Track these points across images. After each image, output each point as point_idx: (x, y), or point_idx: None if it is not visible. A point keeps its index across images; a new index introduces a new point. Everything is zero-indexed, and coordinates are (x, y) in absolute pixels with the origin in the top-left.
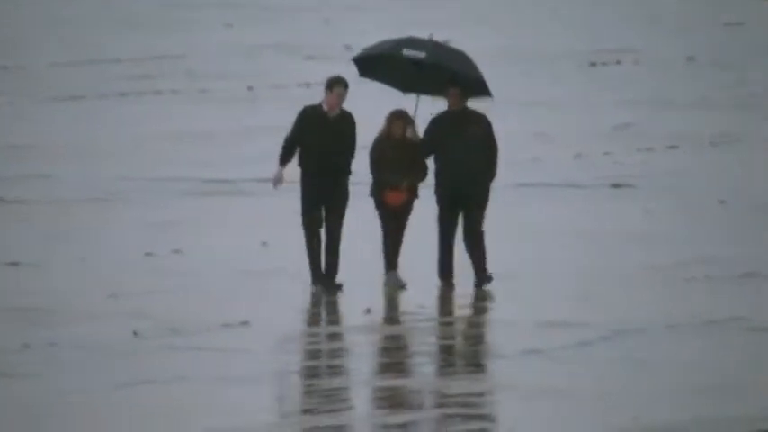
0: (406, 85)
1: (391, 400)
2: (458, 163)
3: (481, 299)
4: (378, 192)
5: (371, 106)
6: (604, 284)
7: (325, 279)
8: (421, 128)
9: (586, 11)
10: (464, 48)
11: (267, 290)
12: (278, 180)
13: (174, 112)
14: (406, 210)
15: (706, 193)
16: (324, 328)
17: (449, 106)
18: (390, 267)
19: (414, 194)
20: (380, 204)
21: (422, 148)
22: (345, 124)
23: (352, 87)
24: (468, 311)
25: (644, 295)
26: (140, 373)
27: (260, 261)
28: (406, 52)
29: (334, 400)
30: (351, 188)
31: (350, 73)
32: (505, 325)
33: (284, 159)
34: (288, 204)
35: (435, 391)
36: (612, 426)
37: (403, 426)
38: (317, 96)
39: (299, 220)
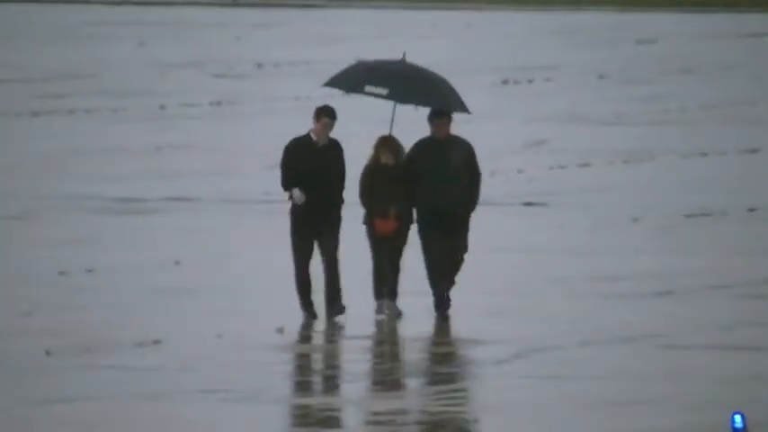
0: (393, 96)
1: (307, 418)
2: (438, 190)
3: (395, 317)
4: (368, 220)
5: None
6: (518, 301)
7: (332, 306)
8: (404, 143)
9: (499, 29)
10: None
11: (180, 308)
12: (299, 198)
13: (87, 129)
14: (399, 237)
15: (619, 210)
16: (236, 348)
17: (432, 134)
18: (380, 296)
19: (407, 222)
20: (371, 233)
21: (405, 174)
22: (334, 153)
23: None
24: (381, 330)
25: (558, 312)
26: (53, 392)
27: (173, 279)
28: (369, 89)
29: (246, 419)
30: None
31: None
32: (419, 343)
33: (290, 183)
34: (199, 224)
35: (348, 408)
36: None
37: None
38: (227, 114)
39: (211, 238)
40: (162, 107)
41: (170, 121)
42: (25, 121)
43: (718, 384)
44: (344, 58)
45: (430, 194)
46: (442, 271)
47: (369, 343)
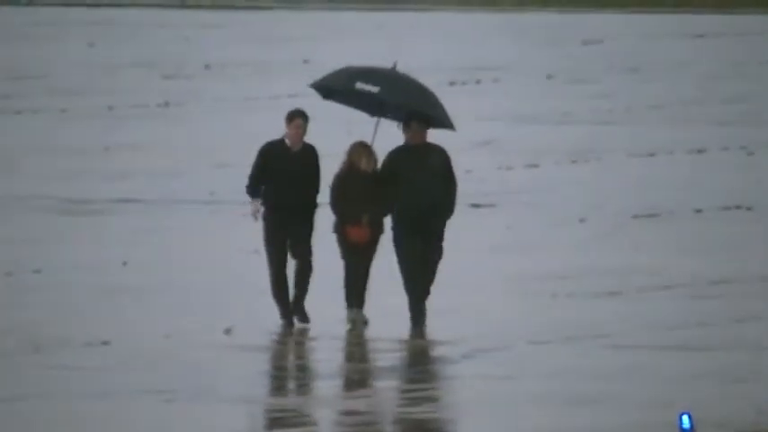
0: (373, 110)
1: (254, 417)
2: (418, 194)
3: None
4: (340, 228)
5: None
6: (467, 301)
7: (296, 310)
8: (380, 155)
9: (445, 30)
10: (327, 64)
11: (128, 308)
12: (256, 212)
13: (35, 129)
14: (370, 246)
15: (567, 209)
16: (185, 347)
17: (407, 141)
18: (352, 305)
19: (379, 229)
20: (342, 241)
21: (380, 180)
22: (309, 158)
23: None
24: (333, 331)
25: (507, 311)
26: (2, 391)
27: (121, 279)
28: (359, 86)
29: (194, 419)
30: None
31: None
32: (369, 343)
33: (254, 193)
34: (147, 224)
35: (297, 408)
36: None
37: None
38: (175, 114)
39: (158, 239)
40: (110, 107)
41: (118, 122)
42: None
43: (665, 383)
44: (293, 58)
45: (408, 200)
46: (418, 279)
47: (317, 343)
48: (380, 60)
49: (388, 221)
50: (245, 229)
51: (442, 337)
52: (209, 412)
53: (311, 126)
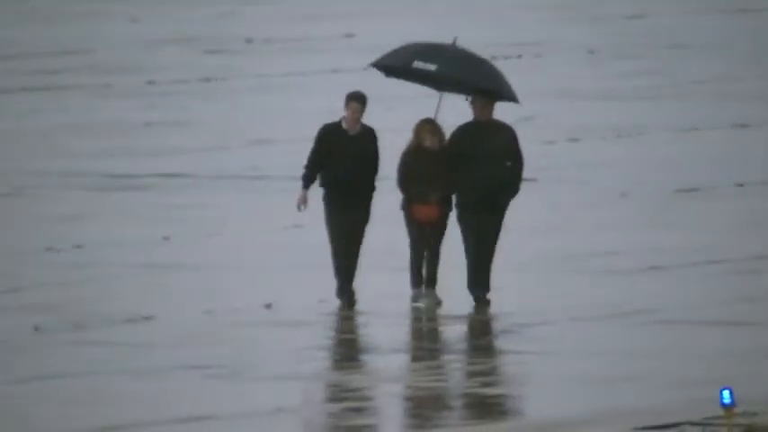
0: (437, 85)
1: (294, 394)
2: (484, 173)
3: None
4: (407, 206)
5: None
6: (509, 277)
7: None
8: (445, 131)
9: (486, 4)
10: (370, 40)
11: (169, 284)
12: (302, 202)
13: (78, 106)
14: (439, 224)
15: (609, 185)
16: (226, 323)
17: (474, 116)
18: (417, 284)
19: (447, 208)
20: (410, 219)
21: (448, 158)
22: (367, 140)
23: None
24: (368, 306)
25: (548, 288)
26: (42, 368)
27: (162, 255)
28: (416, 64)
29: (234, 395)
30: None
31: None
32: (404, 319)
33: (308, 181)
34: (188, 200)
35: (330, 384)
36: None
37: (299, 419)
38: (216, 90)
39: (200, 214)
40: (151, 83)
41: (159, 98)
42: (17, 97)
43: (707, 360)
44: (335, 34)
45: (472, 178)
46: (483, 256)
47: (362, 319)
48: (423, 34)
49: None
50: (287, 205)
51: (485, 312)
52: (250, 388)
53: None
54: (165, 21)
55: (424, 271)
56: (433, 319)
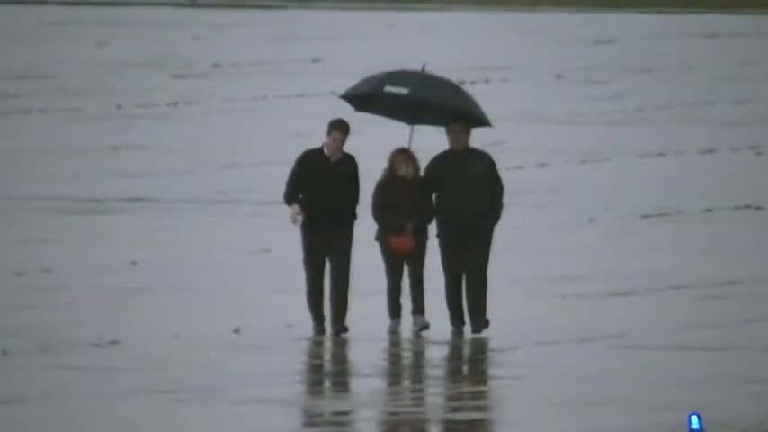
0: (408, 118)
1: (263, 418)
2: (461, 203)
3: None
4: (382, 237)
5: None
6: None
7: (334, 323)
8: (420, 162)
9: (455, 29)
10: (338, 64)
11: (137, 308)
12: (295, 215)
13: (44, 129)
14: (416, 253)
15: (577, 210)
16: (194, 348)
17: (451, 145)
18: (395, 314)
19: (423, 237)
20: (386, 250)
21: (423, 188)
22: (348, 168)
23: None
24: (336, 330)
25: (516, 312)
26: (10, 392)
27: (130, 279)
28: (388, 89)
29: (202, 419)
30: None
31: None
32: (369, 343)
33: (292, 198)
34: (156, 224)
35: (300, 409)
36: None
37: None
38: (184, 114)
39: (167, 238)
40: (119, 107)
41: (127, 121)
42: None
43: (676, 385)
44: (303, 57)
45: (451, 208)
46: (459, 289)
47: (328, 344)
48: (396, 61)
49: (433, 228)
50: (255, 229)
51: (451, 337)
52: (219, 412)
53: (318, 128)
54: (131, 44)
55: (406, 299)
56: (407, 344)
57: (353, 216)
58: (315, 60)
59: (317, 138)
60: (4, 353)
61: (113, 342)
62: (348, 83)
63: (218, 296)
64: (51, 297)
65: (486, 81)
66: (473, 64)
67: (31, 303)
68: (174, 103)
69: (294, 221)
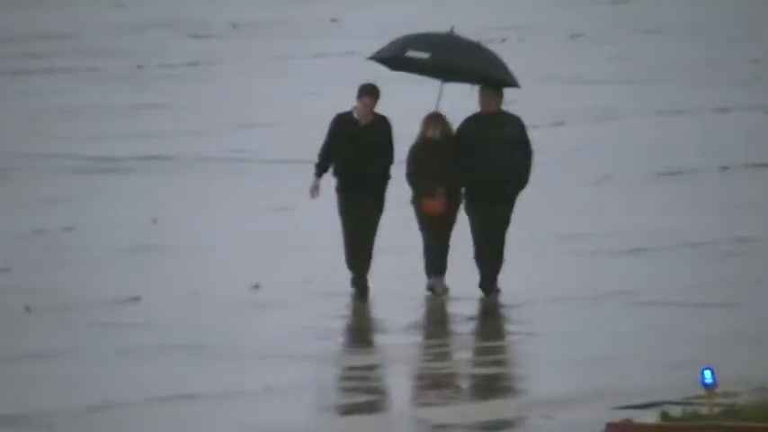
0: (443, 75)
1: (281, 373)
2: (491, 165)
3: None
4: (416, 200)
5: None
6: None
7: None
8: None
9: None
10: (355, 25)
11: (156, 266)
12: (314, 190)
13: (64, 89)
14: (448, 216)
15: (591, 168)
16: (213, 305)
17: (482, 108)
18: (431, 274)
19: (456, 199)
20: (420, 213)
21: (454, 148)
22: (379, 131)
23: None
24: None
25: (530, 270)
26: (33, 347)
27: (150, 237)
28: (409, 53)
29: (220, 375)
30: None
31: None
32: (392, 299)
33: (320, 170)
34: (175, 182)
35: (323, 365)
36: (506, 399)
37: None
38: (203, 74)
39: (186, 197)
40: (139, 67)
41: (147, 81)
42: (3, 81)
43: (688, 342)
44: (321, 17)
45: (479, 170)
46: (490, 248)
47: (347, 300)
48: (410, 24)
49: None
50: (272, 187)
51: (464, 293)
52: (239, 367)
53: (335, 88)
54: (151, 5)
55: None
56: (435, 303)
57: (386, 177)
58: (333, 20)
59: (333, 98)
60: (28, 309)
61: (134, 299)
62: (365, 43)
63: (237, 254)
64: (73, 255)
65: (503, 41)
66: (489, 24)
67: (52, 261)
68: (194, 63)
69: (312, 196)
